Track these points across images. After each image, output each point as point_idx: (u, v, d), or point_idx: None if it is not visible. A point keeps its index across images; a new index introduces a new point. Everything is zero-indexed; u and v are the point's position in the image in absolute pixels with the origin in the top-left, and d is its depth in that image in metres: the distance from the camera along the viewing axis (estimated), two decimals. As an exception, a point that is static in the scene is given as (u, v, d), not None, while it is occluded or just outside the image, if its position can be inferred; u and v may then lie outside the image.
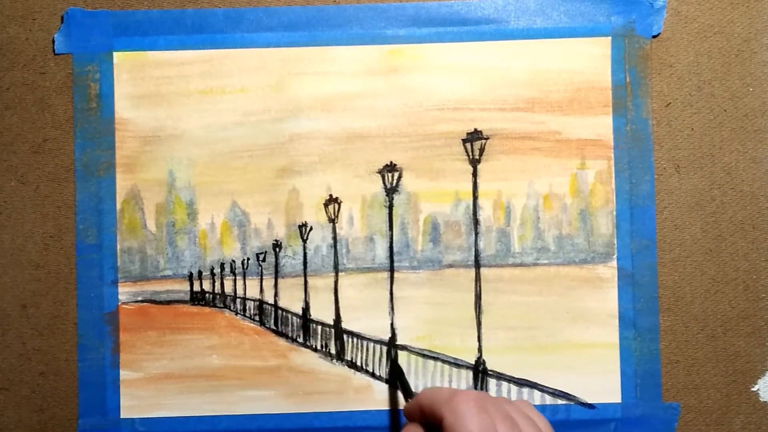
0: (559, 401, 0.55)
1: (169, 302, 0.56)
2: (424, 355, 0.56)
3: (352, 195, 0.56)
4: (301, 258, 0.56)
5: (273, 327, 0.57)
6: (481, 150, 0.56)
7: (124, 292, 0.56)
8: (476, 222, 0.56)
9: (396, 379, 0.55)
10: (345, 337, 0.56)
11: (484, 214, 0.56)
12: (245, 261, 0.57)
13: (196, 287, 0.56)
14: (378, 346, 0.56)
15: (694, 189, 0.56)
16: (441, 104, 0.56)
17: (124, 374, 0.55)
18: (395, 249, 0.56)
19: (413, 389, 0.54)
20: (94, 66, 0.56)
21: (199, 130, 0.56)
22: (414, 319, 0.56)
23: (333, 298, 0.56)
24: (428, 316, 0.56)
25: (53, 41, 0.56)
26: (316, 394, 0.55)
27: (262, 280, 0.57)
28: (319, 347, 0.57)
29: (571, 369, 0.55)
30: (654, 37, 0.56)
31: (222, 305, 0.57)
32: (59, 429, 0.55)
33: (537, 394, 0.55)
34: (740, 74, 0.56)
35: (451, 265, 0.56)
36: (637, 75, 0.56)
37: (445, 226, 0.56)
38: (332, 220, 0.56)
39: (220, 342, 0.56)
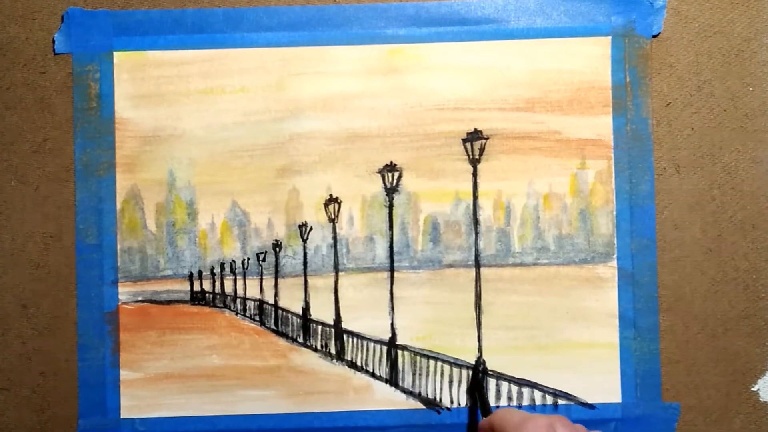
0: (559, 401, 0.55)
1: (169, 302, 0.56)
2: (424, 355, 0.56)
3: (352, 195, 0.56)
4: (301, 258, 0.56)
5: (273, 327, 0.57)
6: (481, 150, 0.56)
7: (125, 291, 0.56)
8: (476, 222, 0.56)
9: (476, 393, 0.54)
10: (345, 337, 0.56)
11: (484, 213, 0.56)
12: (245, 261, 0.57)
13: (197, 287, 0.56)
14: (378, 346, 0.56)
15: (694, 189, 0.56)
16: (441, 104, 0.56)
17: (124, 374, 0.55)
18: (395, 249, 0.56)
19: (490, 405, 0.55)
20: (94, 66, 0.56)
21: (199, 130, 0.56)
22: (414, 319, 0.56)
23: (333, 297, 0.56)
24: (428, 316, 0.56)
25: (53, 41, 0.56)
26: (316, 394, 0.55)
27: (262, 280, 0.57)
28: (319, 347, 0.57)
29: (571, 369, 0.55)
30: (654, 36, 0.56)
31: (222, 305, 0.57)
32: (59, 429, 0.55)
33: (537, 393, 0.55)
34: (740, 74, 0.56)
35: (451, 265, 0.56)
36: (637, 75, 0.56)
37: (445, 225, 0.56)
38: (332, 220, 0.56)
39: (220, 342, 0.56)
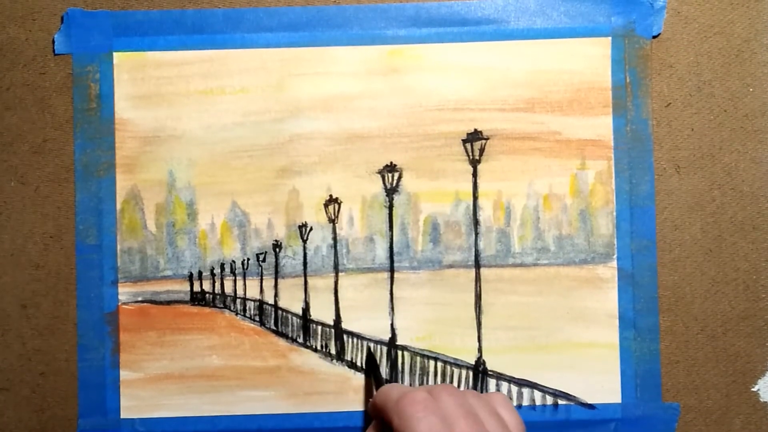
0: (560, 401, 0.55)
1: (169, 302, 0.56)
2: (425, 355, 0.56)
3: (352, 195, 0.56)
4: (301, 258, 0.56)
5: (273, 327, 0.57)
6: (481, 150, 0.56)
7: (124, 292, 0.56)
8: (476, 222, 0.56)
9: (371, 371, 0.54)
10: (345, 337, 0.56)
11: (484, 214, 0.56)
12: (245, 261, 0.57)
13: (196, 287, 0.56)
14: (378, 347, 0.56)
15: (694, 189, 0.56)
16: (441, 104, 0.56)
17: (124, 374, 0.55)
18: (395, 249, 0.56)
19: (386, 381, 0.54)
20: (94, 66, 0.56)
21: (199, 131, 0.56)
22: (414, 320, 0.56)
23: (333, 298, 0.56)
24: (428, 317, 0.56)
25: (53, 41, 0.56)
26: (316, 394, 0.55)
27: (262, 280, 0.57)
28: (319, 347, 0.57)
29: (571, 369, 0.55)
30: (654, 37, 0.56)
31: (222, 305, 0.57)
32: (59, 429, 0.55)
33: (537, 394, 0.55)
34: (740, 74, 0.56)
35: (451, 266, 0.56)
36: (637, 75, 0.56)
37: (445, 226, 0.56)
38: (332, 221, 0.56)
39: (220, 342, 0.56)
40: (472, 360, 0.56)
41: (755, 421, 0.56)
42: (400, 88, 0.56)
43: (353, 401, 0.55)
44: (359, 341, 0.56)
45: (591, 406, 0.55)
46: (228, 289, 0.57)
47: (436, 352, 0.56)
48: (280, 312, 0.57)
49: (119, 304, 0.56)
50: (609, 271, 0.56)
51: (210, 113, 0.56)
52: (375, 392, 0.50)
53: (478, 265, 0.56)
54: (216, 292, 0.57)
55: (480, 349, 0.56)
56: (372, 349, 0.55)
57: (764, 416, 0.56)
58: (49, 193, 0.56)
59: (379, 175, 0.56)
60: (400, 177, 0.56)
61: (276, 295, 0.57)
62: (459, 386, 0.55)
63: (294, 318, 0.57)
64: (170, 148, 0.56)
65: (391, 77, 0.56)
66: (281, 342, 0.56)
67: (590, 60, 0.56)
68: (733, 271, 0.56)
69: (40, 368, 0.56)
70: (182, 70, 0.56)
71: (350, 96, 0.56)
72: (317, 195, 0.56)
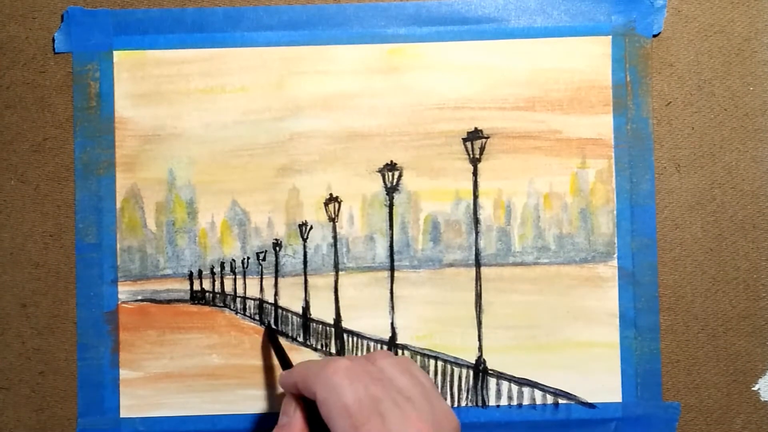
0: (560, 400, 0.55)
1: (169, 301, 0.56)
2: (425, 354, 0.56)
3: (353, 194, 0.56)
4: (302, 257, 0.56)
5: (273, 326, 0.57)
6: (482, 149, 0.56)
7: (124, 291, 0.56)
8: (477, 221, 0.56)
9: (272, 344, 0.54)
10: (345, 336, 0.56)
11: (485, 213, 0.56)
12: (245, 260, 0.57)
13: (196, 286, 0.56)
14: (378, 346, 0.56)
15: (694, 188, 0.56)
16: (441, 103, 0.56)
17: (123, 373, 0.55)
18: (395, 248, 0.56)
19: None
20: (94, 65, 0.56)
21: (199, 129, 0.56)
22: (414, 319, 0.56)
23: (333, 297, 0.56)
24: (428, 316, 0.56)
25: (53, 40, 0.56)
26: (316, 393, 0.55)
27: (262, 279, 0.57)
28: (319, 347, 0.57)
29: (571, 368, 0.55)
30: (654, 36, 0.56)
31: (222, 304, 0.57)
32: (59, 428, 0.55)
33: (538, 393, 0.55)
34: (741, 73, 0.56)
35: (451, 264, 0.56)
36: (638, 74, 0.56)
37: (446, 225, 0.56)
38: (332, 219, 0.56)
39: (220, 341, 0.56)
40: (472, 359, 0.55)
41: (756, 420, 0.56)
42: (401, 86, 0.56)
43: (353, 400, 0.55)
44: (359, 340, 0.56)
45: (591, 406, 0.55)
46: (228, 287, 0.57)
47: (436, 351, 0.56)
48: (280, 311, 0.57)
49: (119, 302, 0.56)
50: (609, 270, 0.56)
51: (210, 112, 0.56)
52: (282, 366, 0.51)
53: (478, 264, 0.56)
54: (216, 290, 0.57)
55: (480, 348, 0.55)
56: (271, 325, 0.55)
57: (765, 415, 0.56)
58: (48, 192, 0.56)
59: (379, 174, 0.56)
60: (400, 176, 0.56)
61: (276, 293, 0.57)
62: (459, 385, 0.55)
63: (294, 317, 0.57)
64: (170, 147, 0.56)
65: (391, 76, 0.56)
66: (281, 341, 0.56)
67: (591, 59, 0.56)
68: (733, 270, 0.56)
69: (40, 367, 0.56)
70: (182, 68, 0.56)
71: (350, 94, 0.56)
72: (317, 194, 0.56)
